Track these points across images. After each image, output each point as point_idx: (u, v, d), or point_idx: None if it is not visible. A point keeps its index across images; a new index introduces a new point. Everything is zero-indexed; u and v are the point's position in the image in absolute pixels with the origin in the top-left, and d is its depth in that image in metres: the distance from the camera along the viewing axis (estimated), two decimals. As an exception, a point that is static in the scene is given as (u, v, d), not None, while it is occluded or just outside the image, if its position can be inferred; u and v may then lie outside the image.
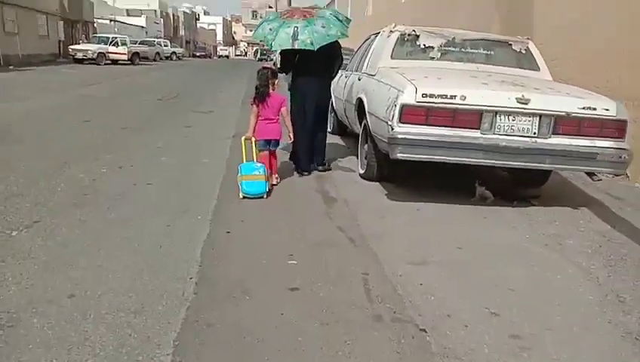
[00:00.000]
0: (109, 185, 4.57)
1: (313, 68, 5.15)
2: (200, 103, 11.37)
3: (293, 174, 5.29)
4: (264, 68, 4.82)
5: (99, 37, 30.09)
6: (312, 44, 4.85)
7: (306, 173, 5.33)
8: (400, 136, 4.03)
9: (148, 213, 3.86)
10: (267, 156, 4.69)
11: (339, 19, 5.19)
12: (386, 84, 4.54)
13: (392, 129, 4.08)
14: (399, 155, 4.06)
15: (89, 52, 27.25)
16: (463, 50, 5.32)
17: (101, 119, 8.28)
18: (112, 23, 40.48)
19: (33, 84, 14.04)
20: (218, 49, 79.73)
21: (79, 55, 27.07)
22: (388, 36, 5.32)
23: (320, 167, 5.50)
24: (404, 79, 4.25)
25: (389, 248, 3.44)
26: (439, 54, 5.23)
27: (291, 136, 4.96)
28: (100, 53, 27.55)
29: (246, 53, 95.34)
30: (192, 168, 5.36)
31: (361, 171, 5.39)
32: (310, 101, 5.23)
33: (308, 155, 5.36)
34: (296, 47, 4.91)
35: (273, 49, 5.26)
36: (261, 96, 4.63)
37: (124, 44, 29.46)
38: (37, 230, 3.43)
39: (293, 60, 5.26)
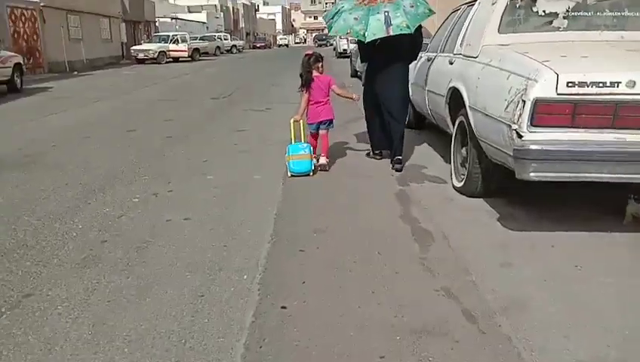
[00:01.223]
0: (137, 224, 3.56)
1: (394, 53, 4.69)
2: (256, 100, 10.36)
3: (372, 195, 4.09)
4: (306, 55, 4.90)
5: (159, 36, 30.07)
6: (408, 27, 4.39)
7: (378, 157, 5.20)
8: (534, 148, 2.70)
9: (176, 274, 2.79)
10: (316, 137, 4.89)
11: None
12: (501, 69, 3.20)
13: (520, 136, 2.76)
14: (533, 175, 2.74)
15: (150, 52, 27.21)
16: (597, 13, 3.83)
17: (146, 127, 7.42)
18: (173, 20, 40.72)
19: (89, 90, 13.63)
20: (278, 38, 79.31)
21: (141, 55, 27.11)
22: (493, 3, 3.93)
23: (397, 165, 4.83)
24: (534, 61, 2.90)
25: (537, 333, 2.15)
26: (566, 22, 3.78)
27: (355, 97, 5.11)
28: (160, 52, 27.44)
29: (305, 40, 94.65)
30: (241, 191, 4.27)
31: (457, 184, 4.09)
32: (390, 90, 4.83)
33: (383, 138, 5.08)
34: (391, 33, 4.38)
35: (367, 40, 4.47)
36: (305, 82, 4.76)
37: (184, 40, 29.22)
38: (22, 313, 2.44)
39: (373, 46, 4.68)
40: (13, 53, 13.33)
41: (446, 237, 3.20)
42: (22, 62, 13.26)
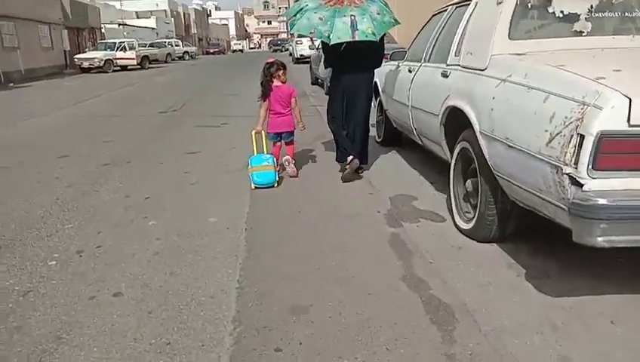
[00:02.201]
0: (47, 307, 2.59)
1: (357, 60, 4.49)
2: (210, 113, 9.39)
3: (364, 238, 3.25)
4: (267, 63, 4.78)
5: (105, 43, 28.48)
6: (373, 34, 4.28)
7: (348, 167, 4.71)
8: (604, 202, 1.93)
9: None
10: (279, 148, 4.85)
11: (384, 4, 4.56)
12: (532, 87, 2.42)
13: (579, 184, 1.98)
14: (603, 240, 1.95)
15: (95, 60, 25.66)
16: (625, 14, 3.15)
17: (81, 150, 6.34)
18: (121, 27, 38.89)
19: (19, 105, 12.26)
20: (232, 43, 77.90)
21: (85, 64, 25.53)
22: (498, 3, 3.17)
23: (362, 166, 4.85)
24: (586, 79, 2.13)
25: None
26: (589, 26, 3.06)
27: (303, 126, 4.88)
28: (107, 60, 25.94)
29: (260, 45, 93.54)
30: (191, 244, 3.34)
31: (464, 225, 3.32)
32: (355, 96, 4.69)
33: (351, 145, 4.78)
34: (357, 38, 4.24)
35: (332, 42, 4.27)
36: (265, 90, 4.68)
37: (132, 48, 27.81)
38: None
39: (338, 51, 4.38)
40: None
41: (470, 312, 2.39)
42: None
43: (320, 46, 5.68)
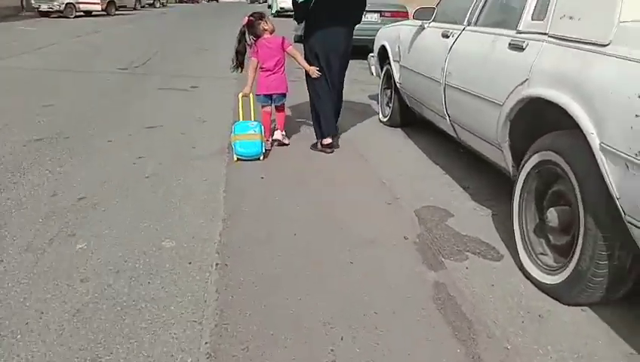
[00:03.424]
0: None
1: (334, 14, 3.98)
2: (177, 72, 8.01)
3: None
4: (243, 26, 4.10)
5: (67, -16, 25.93)
6: None
7: (329, 150, 4.20)
8: None
9: None
10: (269, 114, 4.28)
11: None
12: None
13: None
14: None
15: (55, 3, 23.22)
16: None
17: (12, 117, 4.99)
18: (86, -33, 35.82)
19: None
20: (207, -7, 73.93)
21: (44, 7, 23.11)
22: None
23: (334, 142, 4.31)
24: None
25: None
26: None
27: (313, 71, 4.12)
28: (68, 3, 23.55)
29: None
30: (133, 288, 2.20)
31: (539, 275, 2.29)
32: (334, 55, 4.13)
33: (334, 117, 4.32)
34: None
35: None
36: (238, 54, 4.10)
37: (97, -9, 25.36)
38: None
39: (309, 5, 3.96)
40: None
41: None
42: None
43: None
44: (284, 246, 2.61)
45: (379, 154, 4.21)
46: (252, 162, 3.91)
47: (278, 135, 4.30)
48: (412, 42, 4.08)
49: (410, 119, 4.83)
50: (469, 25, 3.18)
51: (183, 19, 23.55)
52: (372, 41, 5.62)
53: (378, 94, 5.41)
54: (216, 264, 2.40)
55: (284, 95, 4.22)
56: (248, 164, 3.88)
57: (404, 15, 9.86)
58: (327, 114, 4.20)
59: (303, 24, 4.24)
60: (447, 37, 3.35)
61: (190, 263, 2.41)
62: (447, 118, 3.36)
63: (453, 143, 3.93)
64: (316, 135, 4.29)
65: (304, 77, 4.34)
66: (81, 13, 24.51)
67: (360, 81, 7.17)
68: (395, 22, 9.60)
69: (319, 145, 4.24)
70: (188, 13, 29.35)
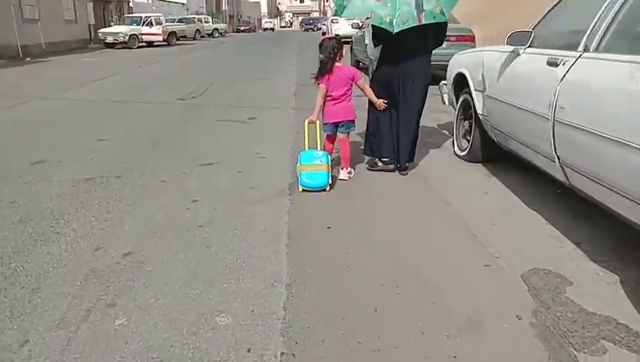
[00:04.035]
0: None
1: (418, 40, 3.75)
2: (235, 103, 7.75)
3: None
4: (326, 37, 3.98)
5: (131, 17, 27.06)
6: (442, 13, 3.60)
7: (391, 165, 4.14)
8: None
9: None
10: (332, 142, 4.05)
11: None
12: None
13: None
14: None
15: (120, 35, 24.24)
16: None
17: (64, 153, 4.77)
18: (150, 1, 37.44)
19: (22, 86, 10.87)
20: (263, 22, 75.88)
21: (109, 39, 24.14)
22: None
23: (404, 172, 4.14)
24: None
25: None
26: None
27: (380, 104, 3.99)
28: (132, 35, 24.49)
29: (292, 23, 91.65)
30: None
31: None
32: (408, 82, 3.90)
33: (395, 141, 4.07)
34: (424, 21, 3.55)
35: (396, 30, 3.54)
36: (324, 68, 3.79)
37: (158, 23, 26.27)
38: None
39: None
40: None
41: None
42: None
43: (363, 25, 4.58)
44: (364, 327, 2.08)
45: (462, 196, 3.64)
46: (317, 204, 3.47)
47: (344, 175, 4.01)
48: (503, 70, 3.52)
49: (492, 154, 4.23)
50: (586, 51, 2.60)
51: (241, 47, 23.89)
52: (437, 67, 5.15)
53: (453, 125, 4.85)
54: (282, 354, 1.91)
55: (352, 122, 3.98)
56: (313, 207, 3.43)
57: (471, 40, 9.26)
58: (384, 135, 4.11)
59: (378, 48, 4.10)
60: (556, 65, 2.77)
61: (249, 351, 1.92)
62: (557, 160, 2.76)
63: (548, 183, 3.33)
64: (372, 152, 4.23)
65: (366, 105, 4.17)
66: (144, 44, 25.41)
67: (429, 108, 6.63)
68: (462, 47, 9.15)
69: (379, 163, 4.24)
70: (245, 41, 29.91)
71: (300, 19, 75.34)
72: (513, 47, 3.39)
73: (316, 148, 3.86)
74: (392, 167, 4.19)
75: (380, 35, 3.89)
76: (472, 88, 4.18)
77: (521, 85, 3.23)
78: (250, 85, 9.87)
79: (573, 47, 2.71)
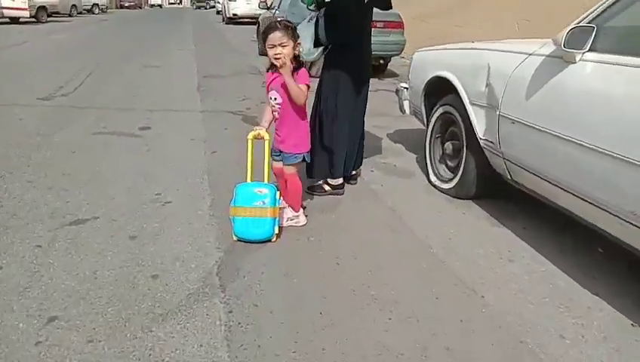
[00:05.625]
0: None
1: (369, 20, 3.32)
2: (119, 103, 6.00)
3: None
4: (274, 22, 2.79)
5: (-11, -12, 22.96)
6: None
7: (340, 189, 3.33)
8: None
9: None
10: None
11: None
12: None
13: None
14: None
15: (-27, 9, 20.44)
16: None
17: None
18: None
19: None
20: (150, -2, 70.55)
21: (-39, 14, 20.27)
22: None
23: (353, 179, 3.53)
24: None
25: None
26: None
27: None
28: (-11, 10, 20.77)
29: (181, 1, 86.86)
30: None
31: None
32: (361, 88, 3.31)
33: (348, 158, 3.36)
34: None
35: None
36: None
37: (24, -5, 22.55)
38: None
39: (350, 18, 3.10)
40: None
41: None
42: None
43: (308, 4, 3.30)
44: None
45: (465, 258, 2.46)
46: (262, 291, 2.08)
47: (287, 216, 2.86)
48: (535, 82, 2.35)
49: (488, 190, 3.11)
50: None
51: (125, 26, 21.18)
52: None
53: (424, 143, 3.64)
54: None
55: (304, 155, 2.88)
56: (257, 294, 2.04)
57: (400, 26, 8.18)
58: (344, 149, 3.32)
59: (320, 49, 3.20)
60: (584, 70, 1.67)
61: None
62: (622, 216, 1.65)
63: (583, 238, 2.27)
64: (317, 174, 3.30)
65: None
66: (7, 20, 21.76)
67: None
68: (390, 34, 7.99)
69: (326, 187, 3.33)
70: (131, 19, 26.84)
71: (191, -5, 71.08)
72: (559, 49, 2.21)
73: (259, 182, 2.66)
74: (342, 191, 3.36)
75: (342, 27, 3.04)
76: (465, 101, 2.98)
77: (585, 112, 2.06)
78: (139, 76, 8.02)
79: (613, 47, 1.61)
